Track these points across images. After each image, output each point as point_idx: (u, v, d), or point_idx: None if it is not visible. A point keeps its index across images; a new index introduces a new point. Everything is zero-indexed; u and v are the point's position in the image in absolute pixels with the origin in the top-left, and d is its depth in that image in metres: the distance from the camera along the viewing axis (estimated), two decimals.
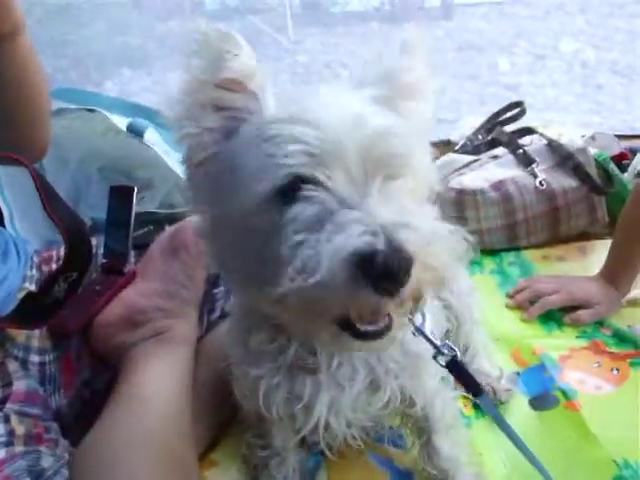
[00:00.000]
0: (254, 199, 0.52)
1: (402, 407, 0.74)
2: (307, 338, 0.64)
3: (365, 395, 0.70)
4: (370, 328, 0.51)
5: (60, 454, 0.71)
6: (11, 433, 0.68)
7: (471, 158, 1.50)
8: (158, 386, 0.79)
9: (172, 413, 0.78)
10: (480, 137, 1.59)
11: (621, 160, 1.54)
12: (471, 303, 0.98)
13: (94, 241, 0.95)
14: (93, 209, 1.14)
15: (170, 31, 4.09)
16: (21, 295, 0.83)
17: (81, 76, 3.47)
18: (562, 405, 0.96)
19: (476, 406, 0.96)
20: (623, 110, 2.92)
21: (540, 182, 1.40)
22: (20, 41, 0.83)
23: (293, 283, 0.47)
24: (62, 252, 0.93)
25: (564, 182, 1.41)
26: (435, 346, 0.70)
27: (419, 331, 0.68)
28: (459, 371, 0.73)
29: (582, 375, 1.02)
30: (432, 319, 0.71)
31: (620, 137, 1.63)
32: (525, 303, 1.21)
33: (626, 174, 1.49)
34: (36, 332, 0.84)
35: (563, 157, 1.43)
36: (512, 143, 1.48)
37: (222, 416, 0.90)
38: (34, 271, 0.93)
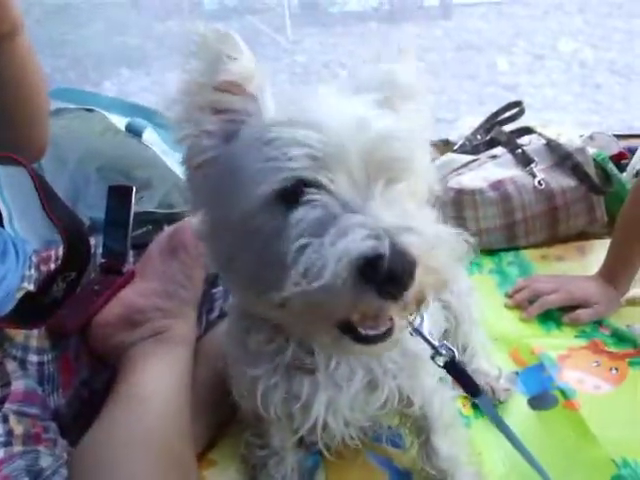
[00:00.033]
0: (255, 202, 0.52)
1: (400, 407, 0.74)
2: (305, 338, 0.64)
3: (363, 395, 0.70)
4: (372, 332, 0.51)
5: (59, 454, 0.71)
6: (9, 433, 0.68)
7: (470, 158, 1.50)
8: (157, 386, 0.79)
9: (171, 412, 0.78)
10: (479, 137, 1.59)
11: (620, 160, 1.54)
12: (470, 303, 0.98)
13: (93, 241, 0.95)
14: (92, 209, 1.13)
15: (169, 31, 4.09)
16: (20, 295, 0.83)
17: (80, 76, 3.47)
18: (561, 405, 0.96)
19: (475, 405, 0.96)
20: (621, 110, 2.92)
21: (539, 182, 1.40)
22: (19, 41, 0.83)
23: (297, 287, 0.47)
24: (61, 252, 0.93)
25: (563, 182, 1.41)
26: (433, 347, 0.70)
27: (417, 332, 0.68)
28: (457, 372, 0.73)
29: (581, 375, 1.02)
30: (430, 319, 0.71)
31: (619, 137, 1.63)
32: (524, 303, 1.21)
33: (624, 174, 1.49)
34: (34, 332, 0.84)
35: (562, 157, 1.43)
36: (511, 143, 1.48)
37: (220, 415, 0.90)
38: (33, 271, 0.93)
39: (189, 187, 0.62)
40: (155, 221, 1.09)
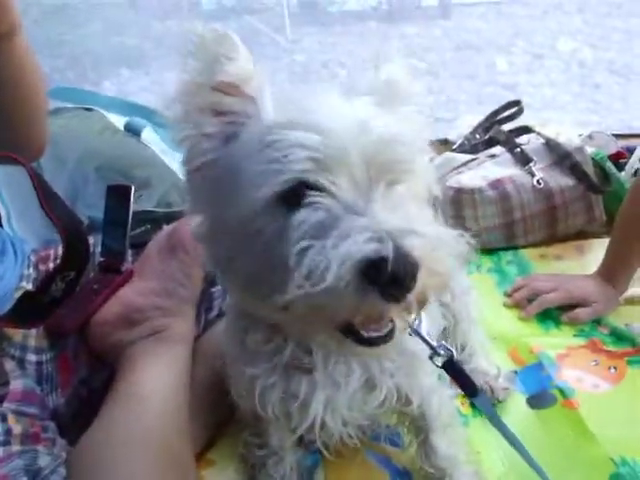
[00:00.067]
0: (256, 204, 0.52)
1: (398, 406, 0.74)
2: (303, 338, 0.64)
3: (361, 394, 0.70)
4: (374, 334, 0.52)
5: (57, 453, 0.70)
6: (8, 432, 0.68)
7: (469, 157, 1.50)
8: (156, 384, 0.79)
9: (170, 411, 0.78)
10: (478, 136, 1.60)
11: (618, 159, 1.55)
12: (468, 302, 0.98)
13: (91, 240, 0.95)
14: (91, 208, 1.13)
15: (167, 31, 4.09)
16: (18, 294, 0.83)
17: (78, 76, 3.47)
18: (560, 403, 0.96)
19: (473, 405, 0.96)
20: (620, 109, 2.92)
21: (537, 181, 1.40)
22: (16, 41, 0.83)
23: (300, 290, 0.47)
24: (60, 251, 0.93)
25: (561, 181, 1.41)
26: (431, 347, 0.70)
27: (415, 332, 0.68)
28: (455, 372, 0.73)
29: (580, 373, 1.02)
30: (428, 319, 0.71)
31: (617, 136, 1.63)
32: (523, 301, 1.21)
33: (623, 173, 1.50)
34: (33, 331, 0.84)
35: (560, 156, 1.43)
36: (510, 142, 1.49)
37: (219, 415, 0.90)
38: (31, 270, 0.93)
39: (188, 189, 0.62)
40: (154, 220, 1.09)
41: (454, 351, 0.71)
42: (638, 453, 0.85)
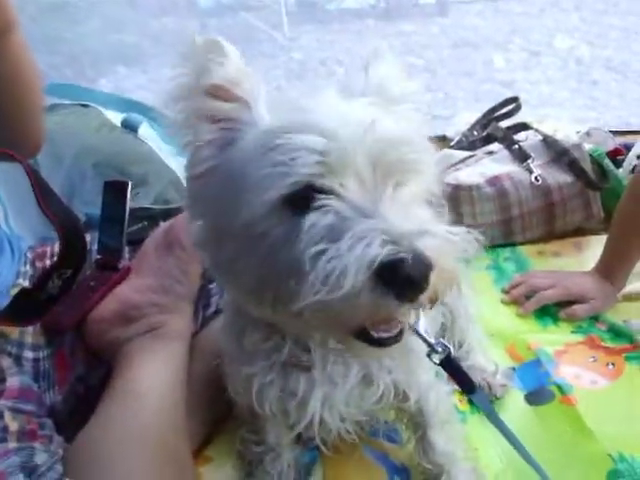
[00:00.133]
0: (261, 207, 0.52)
1: (396, 402, 0.74)
2: (302, 336, 0.64)
3: (358, 390, 0.70)
4: (385, 335, 0.52)
5: (54, 450, 0.70)
6: (4, 429, 0.68)
7: (467, 154, 1.50)
8: (153, 381, 0.79)
9: (166, 408, 0.78)
10: (475, 133, 1.60)
11: (616, 156, 1.55)
12: (466, 299, 0.98)
13: (88, 237, 0.94)
14: (87, 205, 1.13)
15: (165, 28, 4.08)
16: (14, 291, 0.83)
17: (76, 73, 3.46)
18: (558, 400, 0.96)
19: (471, 401, 0.96)
20: (618, 106, 2.92)
21: (535, 178, 1.40)
22: (13, 39, 0.83)
23: (317, 295, 0.47)
24: (56, 248, 0.93)
25: (559, 178, 1.41)
26: (429, 344, 0.70)
27: (413, 330, 0.68)
28: (453, 368, 0.73)
29: (578, 370, 1.02)
30: (426, 317, 0.71)
31: (615, 133, 1.64)
32: (521, 298, 1.21)
33: (621, 170, 1.50)
34: (30, 328, 0.84)
35: (558, 153, 1.43)
36: (507, 139, 1.49)
37: (216, 411, 0.90)
38: (28, 267, 0.93)
39: (189, 195, 0.62)
40: (151, 217, 1.09)
41: (451, 348, 0.71)
42: (636, 449, 0.85)
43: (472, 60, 3.72)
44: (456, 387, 0.79)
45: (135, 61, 3.77)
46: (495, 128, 1.53)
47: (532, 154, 1.43)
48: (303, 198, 0.51)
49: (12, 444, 0.67)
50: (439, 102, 2.96)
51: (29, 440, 0.69)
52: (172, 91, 0.57)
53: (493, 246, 1.41)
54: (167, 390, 0.79)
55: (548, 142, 1.45)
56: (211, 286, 0.99)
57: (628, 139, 1.62)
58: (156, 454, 0.73)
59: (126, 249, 0.95)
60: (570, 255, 1.38)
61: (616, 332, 1.10)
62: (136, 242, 0.96)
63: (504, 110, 1.61)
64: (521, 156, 1.44)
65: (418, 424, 0.80)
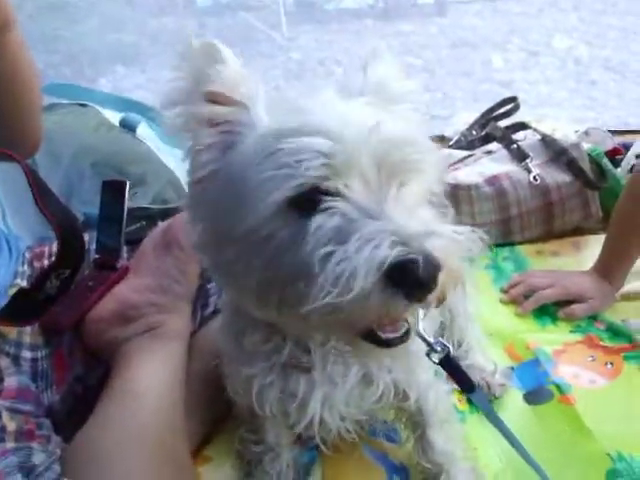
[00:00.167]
0: (266, 209, 0.51)
1: (395, 401, 0.74)
2: (302, 337, 0.64)
3: (358, 389, 0.70)
4: (392, 335, 0.52)
5: (52, 450, 0.70)
6: (2, 429, 0.68)
7: (465, 153, 1.50)
8: (151, 381, 0.79)
9: (165, 408, 0.78)
10: (474, 132, 1.60)
11: (614, 155, 1.55)
12: (465, 298, 0.98)
13: (86, 237, 0.94)
14: (86, 204, 1.13)
15: (163, 28, 4.08)
16: (12, 291, 0.83)
17: (74, 73, 3.45)
18: (556, 399, 0.96)
19: (470, 401, 0.96)
20: (616, 106, 2.92)
21: (534, 177, 1.40)
22: (10, 37, 0.82)
23: (326, 298, 0.47)
24: (54, 248, 0.92)
25: (558, 177, 1.41)
26: (428, 343, 0.70)
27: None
28: (452, 368, 0.73)
29: (576, 369, 1.02)
30: (425, 316, 0.71)
31: (613, 132, 1.64)
32: (519, 298, 1.21)
33: (619, 169, 1.50)
34: (28, 328, 0.84)
35: (557, 152, 1.43)
36: (506, 138, 1.49)
37: (215, 411, 0.90)
38: (26, 267, 0.92)
39: (189, 199, 0.62)
40: (149, 217, 1.08)
41: (451, 347, 0.71)
42: (635, 448, 0.85)
43: (471, 60, 3.73)
44: (455, 386, 0.79)
45: (134, 60, 3.77)
46: (494, 127, 1.53)
47: (531, 153, 1.43)
48: (309, 200, 0.51)
49: (10, 444, 0.67)
50: (437, 102, 2.96)
51: (27, 440, 0.69)
52: (169, 95, 0.57)
53: (492, 245, 1.41)
54: (165, 390, 0.79)
55: (547, 141, 1.45)
56: (209, 286, 0.99)
57: (627, 139, 1.62)
58: (154, 454, 0.73)
59: (124, 249, 0.95)
60: (569, 254, 1.38)
61: (615, 331, 1.10)
62: (134, 242, 0.96)
63: (503, 110, 1.62)
64: (520, 155, 1.44)
65: (417, 423, 0.80)
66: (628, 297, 1.18)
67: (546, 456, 0.78)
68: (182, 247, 0.87)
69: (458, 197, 1.39)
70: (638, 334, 1.07)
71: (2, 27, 0.80)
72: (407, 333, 0.53)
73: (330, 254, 0.48)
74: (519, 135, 1.52)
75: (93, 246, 0.96)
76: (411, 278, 0.46)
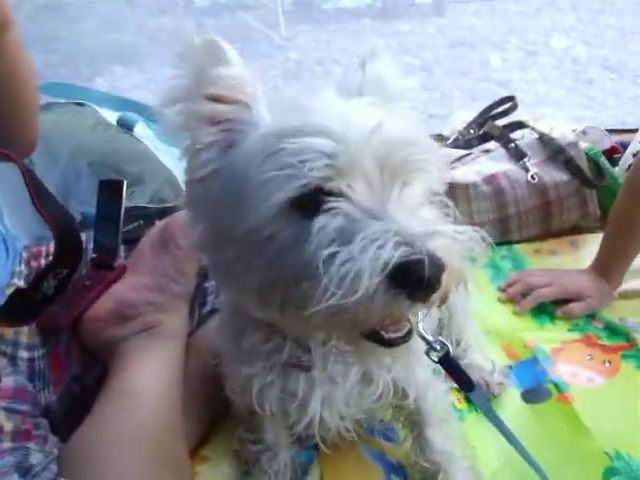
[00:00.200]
0: (268, 209, 0.51)
1: (395, 400, 0.74)
2: (303, 336, 0.64)
3: (358, 388, 0.70)
4: (394, 335, 0.52)
5: (49, 450, 0.70)
6: None
7: (463, 152, 1.50)
8: (149, 380, 0.79)
9: (163, 407, 0.78)
10: (472, 131, 1.59)
11: (612, 154, 1.55)
12: (463, 296, 0.98)
13: (84, 236, 0.94)
14: (83, 204, 1.12)
15: (162, 28, 4.08)
16: (9, 291, 0.82)
17: (72, 73, 3.45)
18: (554, 398, 0.96)
19: (469, 400, 0.96)
20: (614, 105, 2.93)
21: (532, 176, 1.40)
22: (9, 37, 0.82)
23: (331, 299, 0.47)
24: (52, 248, 0.92)
25: (556, 176, 1.41)
26: (428, 342, 0.70)
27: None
28: (451, 366, 0.73)
29: (574, 368, 1.02)
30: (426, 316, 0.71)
31: (611, 131, 1.63)
32: (517, 296, 1.21)
33: (617, 168, 1.50)
34: (25, 328, 0.83)
35: (554, 151, 1.43)
36: (504, 137, 1.48)
37: (213, 410, 0.90)
38: (23, 267, 0.92)
39: (188, 199, 0.61)
40: (146, 216, 1.08)
41: (450, 346, 0.71)
42: (632, 447, 0.85)
43: (468, 60, 3.74)
44: (453, 385, 0.79)
45: (132, 60, 3.77)
46: (491, 126, 1.53)
47: (528, 152, 1.43)
48: (312, 201, 0.51)
49: (7, 444, 0.67)
50: (435, 101, 2.97)
51: (24, 440, 0.69)
52: (170, 93, 0.56)
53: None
54: (163, 389, 0.79)
55: (544, 140, 1.45)
56: (207, 285, 0.98)
57: (624, 137, 1.61)
58: (152, 454, 0.73)
59: (122, 248, 0.95)
60: (566, 253, 1.38)
61: (612, 330, 1.10)
62: (132, 241, 0.96)
63: (500, 109, 1.61)
64: (517, 154, 1.44)
65: (415, 422, 0.80)
66: (626, 295, 1.18)
67: (544, 455, 0.78)
68: (180, 246, 0.86)
69: (456, 196, 1.38)
70: (636, 332, 1.07)
71: (1, 27, 0.80)
72: (409, 333, 0.53)
73: (334, 255, 0.48)
74: (517, 134, 1.51)
75: (90, 245, 0.96)
76: (415, 278, 0.46)
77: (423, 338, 0.69)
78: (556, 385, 0.98)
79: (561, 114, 2.53)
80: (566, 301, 1.16)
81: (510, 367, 1.04)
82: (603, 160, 1.47)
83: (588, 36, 4.04)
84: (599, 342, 1.07)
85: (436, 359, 0.71)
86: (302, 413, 0.69)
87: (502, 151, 1.47)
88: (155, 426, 0.75)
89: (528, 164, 1.42)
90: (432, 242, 0.47)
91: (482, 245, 0.52)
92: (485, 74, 3.46)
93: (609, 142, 1.58)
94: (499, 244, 1.41)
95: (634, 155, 1.47)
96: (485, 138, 1.53)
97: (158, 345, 0.83)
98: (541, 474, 0.73)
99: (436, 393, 0.78)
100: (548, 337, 1.10)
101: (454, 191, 1.38)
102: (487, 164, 1.45)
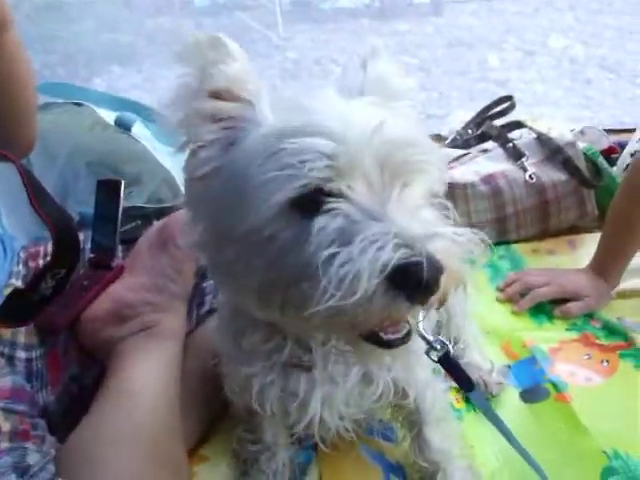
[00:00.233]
0: (268, 209, 0.51)
1: (395, 399, 0.74)
2: (303, 336, 0.64)
3: (358, 388, 0.70)
4: (393, 336, 0.52)
5: (46, 450, 0.70)
6: None
7: (461, 152, 1.50)
8: (147, 380, 0.78)
9: (161, 407, 0.78)
10: (470, 131, 1.59)
11: (610, 154, 1.55)
12: (462, 296, 0.98)
13: (81, 236, 0.94)
14: (81, 204, 1.12)
15: (160, 28, 4.08)
16: (7, 291, 0.82)
17: (70, 73, 3.45)
18: (553, 397, 0.96)
19: (467, 399, 0.96)
20: (612, 105, 2.93)
21: (530, 176, 1.40)
22: (8, 37, 0.82)
23: (330, 301, 0.47)
24: (49, 248, 0.92)
25: (554, 176, 1.42)
26: (428, 342, 0.70)
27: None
28: (451, 366, 0.73)
29: (572, 367, 1.02)
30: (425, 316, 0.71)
31: (609, 131, 1.64)
32: (515, 296, 1.21)
33: (615, 168, 1.50)
34: (22, 328, 0.83)
35: (552, 151, 1.43)
36: (502, 137, 1.49)
37: (212, 409, 0.90)
38: (20, 267, 0.92)
39: (188, 197, 0.61)
40: (144, 216, 1.08)
41: (450, 346, 0.71)
42: (631, 446, 0.85)
43: (466, 59, 3.74)
44: (451, 384, 0.79)
45: (130, 60, 3.77)
46: (489, 126, 1.53)
47: (526, 152, 1.43)
48: (312, 201, 0.51)
49: (4, 444, 0.67)
50: (434, 101, 2.97)
51: (21, 440, 0.69)
52: (174, 90, 0.56)
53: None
54: (161, 389, 0.79)
55: (542, 140, 1.45)
56: (205, 285, 0.98)
57: (622, 137, 1.62)
58: (149, 454, 0.73)
59: (119, 248, 0.95)
60: (564, 253, 1.38)
61: (610, 329, 1.10)
62: (129, 241, 0.96)
63: (498, 109, 1.61)
64: (515, 154, 1.44)
65: (414, 422, 0.80)
66: (624, 295, 1.18)
67: (542, 454, 0.78)
68: (178, 246, 0.86)
69: (454, 196, 1.38)
70: (634, 332, 1.07)
71: (0, 27, 0.80)
72: (408, 334, 0.53)
73: (333, 256, 0.47)
74: (515, 134, 1.51)
75: (88, 245, 0.96)
76: (414, 281, 0.46)
77: (423, 338, 0.69)
78: (554, 384, 0.98)
79: (559, 114, 2.53)
80: (564, 301, 1.16)
81: (509, 367, 1.04)
82: (601, 160, 1.47)
83: (586, 36, 4.04)
84: (597, 342, 1.08)
85: (436, 359, 0.71)
86: (302, 413, 0.69)
87: (500, 151, 1.47)
88: (153, 426, 0.75)
89: (526, 164, 1.42)
90: (431, 244, 0.47)
91: (481, 247, 0.52)
92: (483, 74, 3.46)
93: (607, 142, 1.58)
94: (497, 244, 1.41)
95: (632, 155, 1.47)
96: (483, 138, 1.53)
97: (156, 345, 0.82)
98: (541, 474, 0.73)
99: (435, 392, 0.78)
100: (546, 337, 1.10)
101: (452, 191, 1.38)
102: (485, 164, 1.45)
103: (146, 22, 4.23)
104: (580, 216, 1.44)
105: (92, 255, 0.95)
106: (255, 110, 0.56)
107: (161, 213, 1.04)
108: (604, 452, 0.84)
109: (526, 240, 1.43)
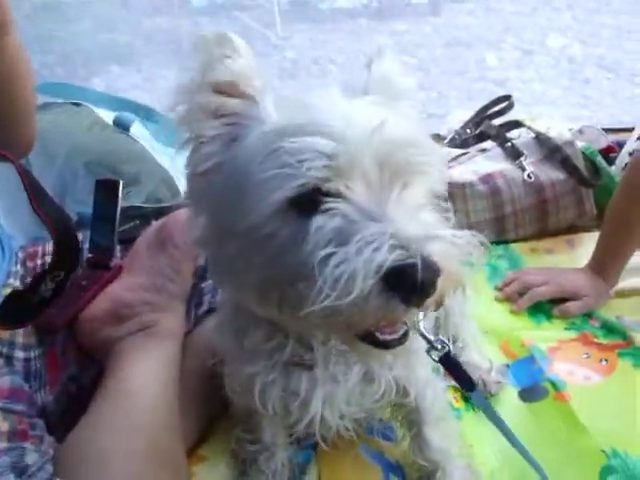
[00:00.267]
0: (267, 208, 0.51)
1: (396, 398, 0.74)
2: (305, 335, 0.64)
3: (359, 387, 0.70)
4: (390, 337, 0.52)
5: (45, 450, 0.70)
6: None
7: (460, 151, 1.50)
8: (145, 380, 0.78)
9: (159, 406, 0.78)
10: (468, 131, 1.59)
11: (608, 153, 1.55)
12: (460, 295, 0.98)
13: (80, 236, 0.94)
14: (79, 204, 1.12)
15: (158, 28, 4.07)
16: (5, 291, 0.82)
17: (68, 73, 3.44)
18: (551, 396, 0.96)
19: (466, 398, 0.96)
20: (610, 104, 2.94)
21: (528, 175, 1.40)
22: (8, 39, 0.82)
23: (325, 301, 0.47)
24: (48, 248, 0.92)
25: (552, 175, 1.42)
26: (429, 341, 0.70)
27: (415, 327, 0.68)
28: (452, 365, 0.73)
29: (571, 366, 1.02)
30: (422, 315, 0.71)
31: (607, 130, 1.64)
32: (514, 295, 1.21)
33: (613, 167, 1.50)
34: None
35: (551, 150, 1.43)
36: (500, 136, 1.49)
37: (211, 409, 0.90)
38: (19, 267, 0.92)
39: (190, 192, 0.61)
40: (143, 216, 1.08)
41: (451, 346, 0.71)
42: (629, 445, 0.85)
43: (465, 59, 3.73)
44: (451, 383, 0.79)
45: (128, 60, 3.76)
46: (488, 126, 1.53)
47: (525, 151, 1.44)
48: (310, 201, 0.51)
49: (3, 444, 0.67)
50: (432, 101, 2.96)
51: (20, 440, 0.69)
52: (179, 86, 0.56)
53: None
54: (160, 389, 0.79)
55: (541, 139, 1.45)
56: (203, 285, 0.98)
57: (620, 137, 1.62)
58: (148, 454, 0.73)
59: (118, 248, 0.95)
60: (563, 252, 1.38)
61: (609, 328, 1.10)
62: (128, 241, 0.96)
63: (497, 108, 1.61)
64: (514, 154, 1.44)
65: (413, 421, 0.80)
66: (622, 294, 1.19)
67: (541, 453, 0.78)
68: (176, 246, 0.86)
69: (452, 195, 1.38)
70: (632, 331, 1.08)
71: (1, 29, 0.80)
72: (405, 335, 0.53)
73: (329, 256, 0.47)
74: (513, 133, 1.51)
75: (86, 245, 0.96)
76: (409, 283, 0.46)
77: (424, 337, 0.69)
78: (553, 383, 0.98)
79: (557, 113, 2.53)
80: (563, 300, 1.17)
81: (507, 366, 1.04)
82: (599, 159, 1.47)
83: (584, 35, 4.04)
84: (596, 341, 1.08)
85: (437, 358, 0.71)
86: (303, 412, 0.69)
87: (498, 150, 1.47)
88: (152, 426, 0.75)
89: (524, 163, 1.42)
90: (429, 246, 0.47)
91: (480, 250, 0.52)
92: (481, 73, 3.46)
93: (605, 141, 1.58)
94: (495, 243, 1.41)
95: (630, 154, 1.47)
96: (482, 137, 1.53)
97: (154, 345, 0.82)
98: (540, 473, 0.73)
99: (435, 391, 0.78)
100: (545, 336, 1.10)
101: (450, 190, 1.37)
102: (483, 163, 1.45)
103: (144, 22, 4.22)
104: (579, 215, 1.45)
105: (90, 255, 0.95)
106: (259, 107, 0.56)
107: (159, 213, 1.04)
108: (603, 451, 0.84)
109: (525, 239, 1.43)
